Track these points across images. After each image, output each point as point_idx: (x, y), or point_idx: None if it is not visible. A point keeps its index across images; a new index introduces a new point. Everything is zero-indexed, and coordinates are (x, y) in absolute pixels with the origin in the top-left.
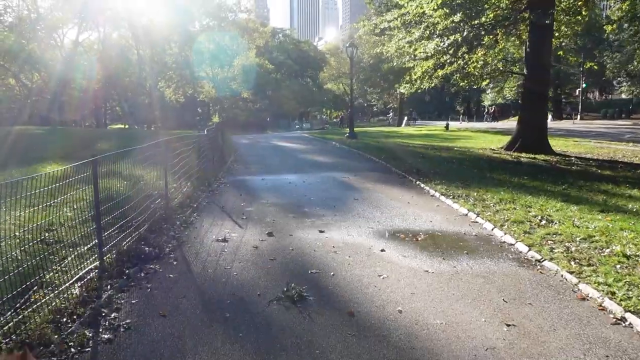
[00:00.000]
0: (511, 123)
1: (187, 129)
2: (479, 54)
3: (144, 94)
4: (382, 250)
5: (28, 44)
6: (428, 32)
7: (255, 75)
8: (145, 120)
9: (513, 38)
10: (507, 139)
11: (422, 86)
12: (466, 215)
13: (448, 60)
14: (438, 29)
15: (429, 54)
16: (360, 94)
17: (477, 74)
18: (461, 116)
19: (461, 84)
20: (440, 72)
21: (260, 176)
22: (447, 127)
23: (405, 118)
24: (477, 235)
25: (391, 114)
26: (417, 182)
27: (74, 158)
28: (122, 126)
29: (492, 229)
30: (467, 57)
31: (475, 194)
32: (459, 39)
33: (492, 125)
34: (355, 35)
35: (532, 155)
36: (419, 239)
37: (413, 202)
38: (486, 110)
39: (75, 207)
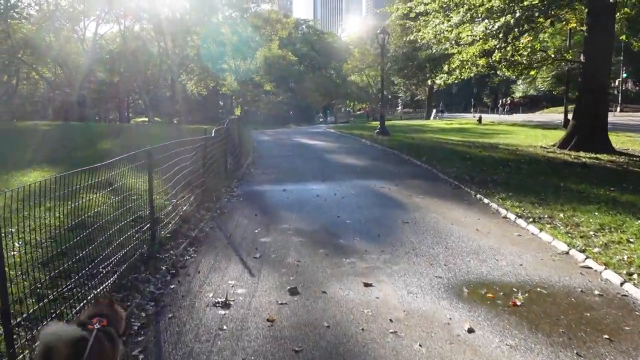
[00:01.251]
0: (545, 116)
1: (210, 123)
2: (527, 40)
3: (166, 87)
4: (470, 331)
5: (50, 38)
6: (469, 14)
7: (278, 67)
8: (168, 113)
9: (563, 22)
10: (552, 134)
11: (461, 76)
12: (567, 253)
13: (497, 46)
14: (480, 11)
15: (477, 38)
16: (385, 85)
17: (524, 62)
18: (473, 109)
19: (507, 73)
20: (482, 62)
21: (281, 185)
22: (479, 120)
23: (434, 111)
24: (603, 295)
25: (400, 108)
26: (477, 196)
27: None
28: (145, 120)
29: (622, 284)
30: (516, 42)
31: (561, 214)
32: (511, 20)
33: (527, 117)
34: (384, 22)
35: (594, 155)
36: (517, 302)
37: (483, 228)
38: (500, 103)
39: None
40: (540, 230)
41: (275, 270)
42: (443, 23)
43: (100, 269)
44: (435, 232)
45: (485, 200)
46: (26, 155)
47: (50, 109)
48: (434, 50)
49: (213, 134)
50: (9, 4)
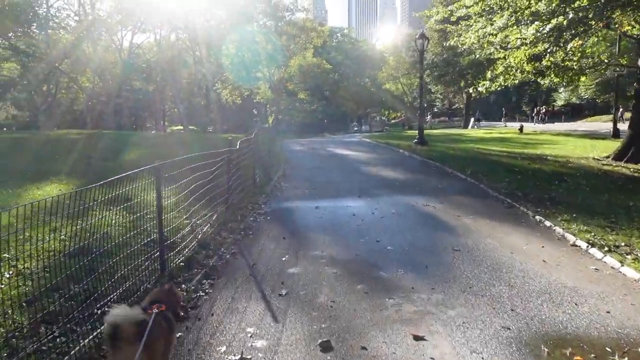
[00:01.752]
0: (589, 125)
1: (243, 131)
2: (577, 44)
3: (200, 96)
4: None
5: (89, 47)
6: (514, 17)
7: (313, 75)
8: (203, 121)
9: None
10: (601, 144)
11: (504, 83)
12: None
13: (548, 50)
14: (526, 14)
15: (527, 41)
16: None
17: (575, 67)
18: (503, 118)
19: (556, 80)
20: (529, 67)
21: (314, 202)
22: (521, 129)
23: (472, 119)
24: None
25: (429, 116)
26: (537, 217)
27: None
28: (181, 128)
29: None
30: (567, 46)
31: None
32: (564, 22)
33: (569, 126)
34: (420, 29)
35: None
36: None
37: (550, 259)
38: (535, 111)
39: None
40: (621, 263)
41: (304, 314)
42: (486, 27)
43: (95, 310)
44: (493, 263)
45: (547, 223)
46: (47, 165)
47: (88, 118)
48: (477, 56)
49: (238, 146)
50: (49, 15)
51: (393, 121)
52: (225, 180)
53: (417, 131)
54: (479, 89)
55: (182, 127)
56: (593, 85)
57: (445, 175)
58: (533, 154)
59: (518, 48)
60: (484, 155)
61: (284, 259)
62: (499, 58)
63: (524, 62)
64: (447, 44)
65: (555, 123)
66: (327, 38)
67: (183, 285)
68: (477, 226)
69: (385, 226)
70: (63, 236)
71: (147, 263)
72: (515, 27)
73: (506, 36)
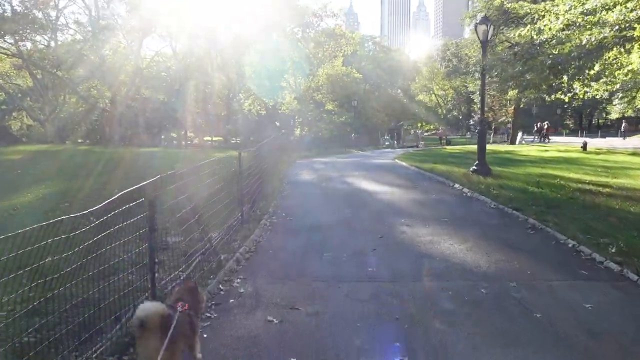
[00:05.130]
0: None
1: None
2: None
3: (221, 106)
4: None
5: (107, 53)
6: None
7: (342, 85)
8: (227, 133)
9: None
10: None
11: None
12: None
13: None
14: None
15: None
16: (460, 102)
17: None
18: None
19: None
20: None
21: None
22: (584, 147)
23: (520, 134)
24: None
25: (442, 128)
26: None
27: None
28: (208, 139)
29: None
30: None
31: None
32: None
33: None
34: (459, 37)
35: None
36: None
37: None
38: (535, 128)
39: None
40: None
41: None
42: (576, 7)
43: None
44: None
45: None
46: None
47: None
48: (572, 48)
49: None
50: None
51: (426, 134)
52: None
53: (457, 146)
54: (587, 93)
55: (210, 139)
56: None
57: (566, 253)
58: None
59: None
60: (582, 194)
61: None
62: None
63: None
64: (517, 34)
65: (607, 138)
66: (358, 46)
67: None
68: None
69: None
70: None
71: None
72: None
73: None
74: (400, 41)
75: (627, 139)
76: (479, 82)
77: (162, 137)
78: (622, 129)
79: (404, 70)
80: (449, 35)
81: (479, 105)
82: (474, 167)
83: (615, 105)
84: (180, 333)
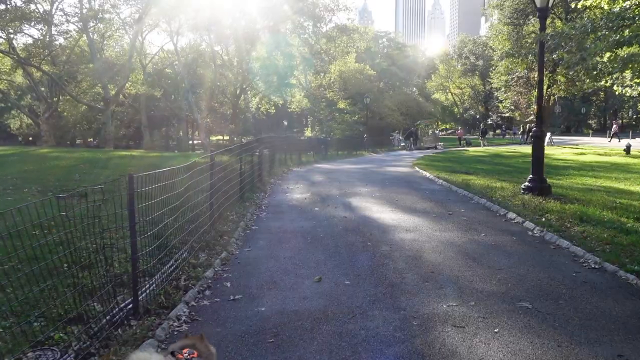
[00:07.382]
0: None
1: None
2: None
3: (227, 105)
4: None
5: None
6: None
7: (355, 82)
8: (235, 132)
9: None
10: None
11: None
12: None
13: None
14: None
15: None
16: (476, 100)
17: None
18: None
19: None
20: None
21: None
22: (627, 150)
23: (548, 134)
24: None
25: (460, 129)
26: None
27: None
28: (220, 138)
29: None
30: None
31: None
32: None
33: None
34: (474, 34)
35: None
36: None
37: None
38: (521, 129)
39: None
40: None
41: None
42: None
43: None
44: None
45: None
46: None
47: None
48: None
49: None
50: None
51: (441, 134)
52: None
53: (478, 148)
54: None
55: (221, 137)
56: None
57: None
58: None
59: None
60: None
61: None
62: None
63: None
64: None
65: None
66: (372, 42)
67: None
68: None
69: None
70: None
71: None
72: None
73: None
74: (415, 40)
75: None
76: (503, 77)
77: (163, 137)
78: (525, 131)
79: (419, 68)
80: (464, 34)
81: (504, 104)
82: (527, 184)
83: None
84: None
